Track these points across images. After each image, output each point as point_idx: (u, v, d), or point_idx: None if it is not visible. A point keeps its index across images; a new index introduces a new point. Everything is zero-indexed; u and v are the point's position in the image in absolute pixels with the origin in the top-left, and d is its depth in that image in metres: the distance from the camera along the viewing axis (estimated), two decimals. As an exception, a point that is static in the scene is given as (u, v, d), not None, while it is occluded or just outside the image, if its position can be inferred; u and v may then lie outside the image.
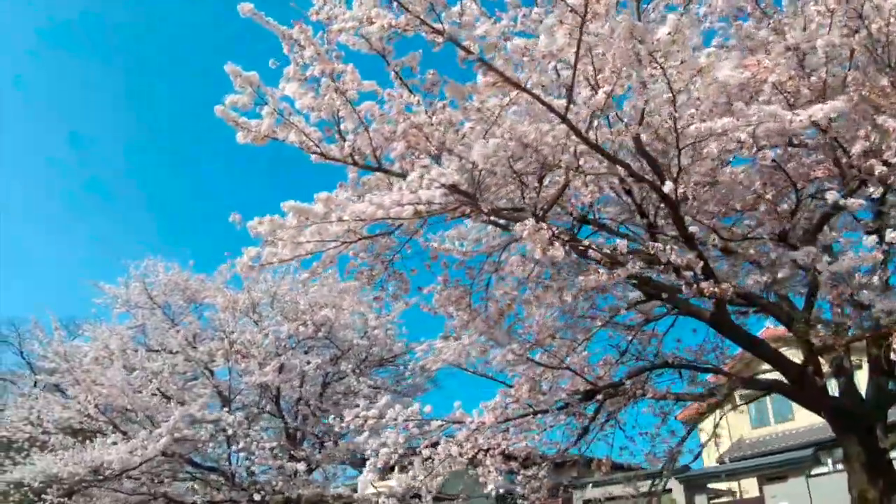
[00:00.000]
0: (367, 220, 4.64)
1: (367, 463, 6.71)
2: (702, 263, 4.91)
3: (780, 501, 18.81)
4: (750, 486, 21.49)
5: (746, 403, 13.83)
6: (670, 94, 3.79)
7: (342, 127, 5.22)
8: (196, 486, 13.31)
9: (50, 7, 55.69)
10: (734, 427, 22.94)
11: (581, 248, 4.51)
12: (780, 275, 6.31)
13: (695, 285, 4.98)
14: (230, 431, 11.17)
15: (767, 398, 25.13)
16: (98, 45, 59.71)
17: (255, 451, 10.99)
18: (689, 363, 8.75)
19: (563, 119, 3.73)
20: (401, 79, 5.15)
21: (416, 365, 9.90)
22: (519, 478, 8.69)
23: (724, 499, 21.73)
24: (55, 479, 11.72)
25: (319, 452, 12.64)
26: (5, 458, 13.24)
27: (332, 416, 12.46)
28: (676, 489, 19.24)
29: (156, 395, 12.12)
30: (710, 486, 20.55)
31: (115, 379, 11.37)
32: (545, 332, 7.76)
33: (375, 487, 13.69)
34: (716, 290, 4.86)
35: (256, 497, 11.16)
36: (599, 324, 8.63)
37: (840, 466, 20.32)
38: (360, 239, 5.26)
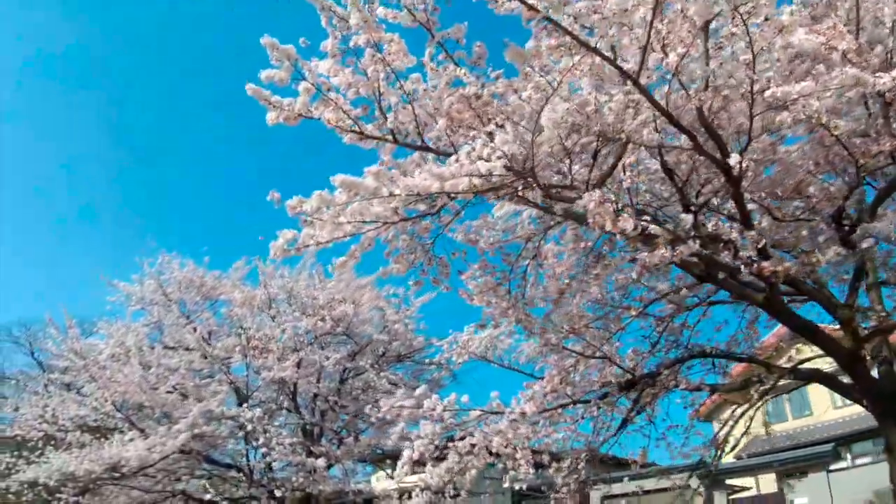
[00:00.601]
0: (413, 199, 4.43)
1: (403, 454, 6.50)
2: (763, 241, 4.68)
3: (801, 497, 18.56)
4: (767, 482, 21.21)
5: (773, 397, 13.59)
6: (749, 56, 3.56)
7: (383, 103, 5.02)
8: (207, 485, 13.11)
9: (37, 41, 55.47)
10: (754, 423, 22.42)
11: (646, 221, 4.27)
12: (826, 258, 6.10)
13: (755, 265, 4.76)
14: (249, 427, 10.95)
15: (784, 395, 24.96)
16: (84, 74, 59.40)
17: (274, 447, 10.77)
18: (726, 353, 8.54)
19: (635, 82, 3.51)
20: (446, 52, 4.94)
21: (442, 357, 9.67)
22: (551, 471, 8.49)
23: (742, 494, 21.46)
24: (71, 477, 11.52)
25: (338, 448, 12.41)
26: (19, 457, 13.05)
27: (368, 405, 12.28)
28: (695, 485, 18.94)
29: (172, 392, 11.92)
30: (728, 481, 20.28)
31: (133, 375, 11.17)
32: (580, 321, 7.56)
33: (398, 483, 13.49)
34: (778, 268, 4.63)
35: (277, 493, 10.95)
36: (633, 314, 8.43)
37: (859, 462, 20.10)
38: (401, 220, 5.05)
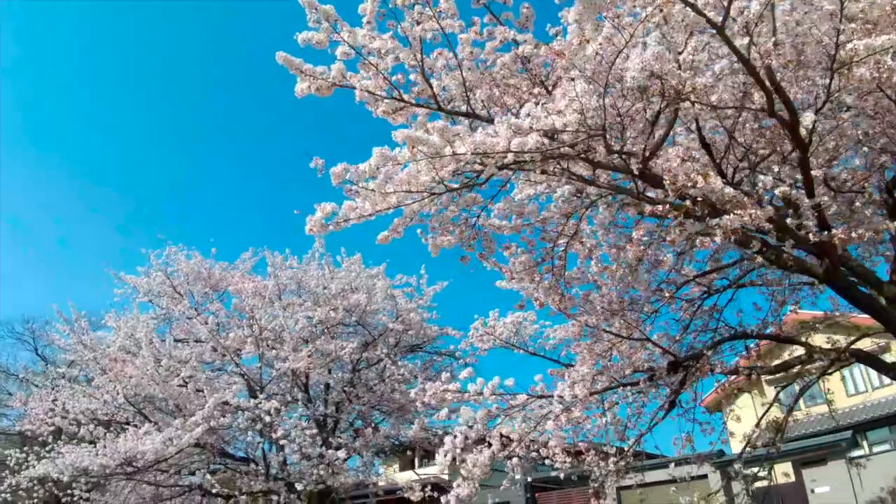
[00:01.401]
0: (466, 166, 4.14)
1: (446, 440, 6.24)
2: (833, 207, 4.42)
3: (821, 486, 18.37)
4: (783, 471, 20.99)
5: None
6: (835, 6, 3.28)
7: (427, 69, 4.72)
8: (213, 480, 12.89)
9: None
10: (763, 412, 22.29)
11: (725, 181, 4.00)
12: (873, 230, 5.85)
13: (825, 233, 4.51)
14: (267, 419, 10.68)
15: (796, 384, 24.74)
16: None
17: (294, 439, 10.51)
18: (767, 335, 8.30)
19: (720, 31, 3.23)
20: (492, 14, 4.65)
21: (467, 343, 9.40)
22: (589, 457, 8.27)
23: (758, 484, 21.31)
24: (84, 472, 11.26)
25: (355, 440, 12.16)
26: (29, 452, 12.77)
27: (385, 395, 12.06)
28: (711, 475, 18.81)
29: (184, 385, 11.64)
30: (744, 472, 20.08)
31: (145, 367, 10.88)
32: (620, 304, 7.32)
33: (418, 475, 13.26)
34: (852, 235, 4.37)
35: (298, 486, 10.69)
36: (667, 296, 8.20)
37: (877, 449, 19.92)
38: (447, 191, 4.77)
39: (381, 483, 12.20)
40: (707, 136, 6.01)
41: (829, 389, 16.83)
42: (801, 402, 23.62)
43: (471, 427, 6.24)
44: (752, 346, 9.01)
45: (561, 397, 6.19)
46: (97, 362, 11.43)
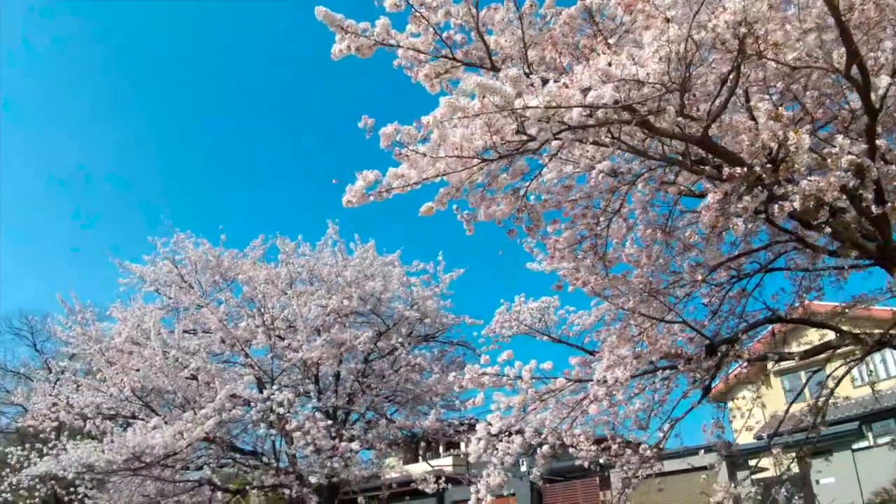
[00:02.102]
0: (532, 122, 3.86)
1: (478, 427, 6.00)
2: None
3: (826, 478, 18.34)
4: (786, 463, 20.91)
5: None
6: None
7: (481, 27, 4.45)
8: (214, 476, 12.58)
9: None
10: (771, 402, 22.38)
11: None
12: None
13: (888, 205, 4.30)
14: (281, 411, 10.38)
15: (802, 373, 24.75)
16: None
17: (309, 431, 10.21)
18: (803, 319, 8.13)
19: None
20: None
21: (490, 330, 9.15)
22: (614, 446, 8.08)
23: (761, 475, 21.28)
24: (90, 468, 10.90)
25: (368, 432, 11.89)
26: (31, 449, 12.37)
27: (399, 385, 11.78)
28: (718, 465, 18.72)
29: (193, 378, 11.30)
30: (751, 462, 20.06)
31: (154, 358, 10.53)
32: (655, 286, 7.11)
33: (432, 466, 12.99)
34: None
35: (313, 479, 10.40)
36: (699, 278, 8.00)
37: (882, 441, 19.94)
38: (498, 158, 4.51)
39: (393, 475, 11.92)
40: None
41: (870, 371, 16.71)
42: (806, 393, 23.73)
43: (505, 414, 6.01)
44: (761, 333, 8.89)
45: (603, 381, 5.97)
46: (102, 354, 11.04)
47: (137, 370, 10.85)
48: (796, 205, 3.84)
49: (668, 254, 7.50)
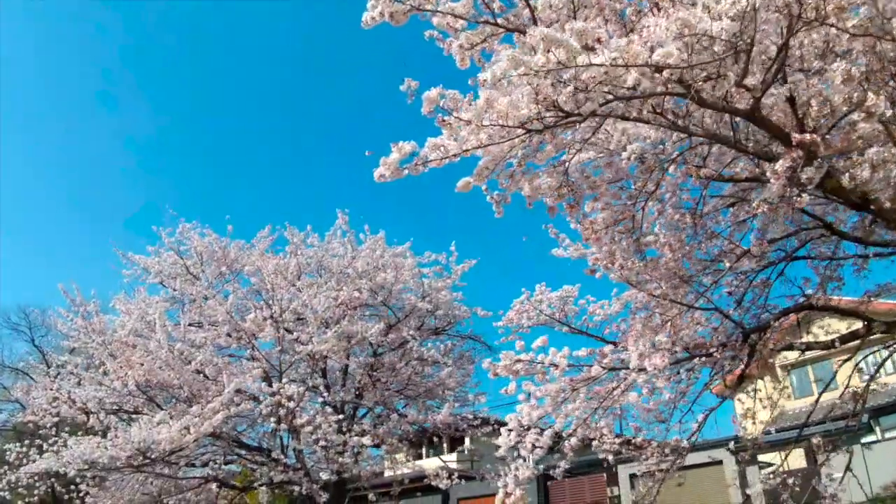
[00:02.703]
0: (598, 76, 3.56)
1: (509, 419, 5.74)
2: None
3: (837, 472, 18.14)
4: (794, 457, 20.82)
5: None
6: None
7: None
8: (210, 470, 12.28)
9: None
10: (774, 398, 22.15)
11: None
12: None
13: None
14: (291, 405, 10.08)
15: (810, 368, 24.64)
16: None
17: (320, 425, 9.93)
18: (833, 307, 7.91)
19: None
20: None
21: (508, 320, 8.87)
22: (639, 439, 7.85)
23: (768, 470, 21.13)
24: (92, 464, 10.57)
25: (378, 427, 11.61)
26: (30, 446, 12.04)
27: (411, 378, 11.52)
28: (727, 461, 18.59)
29: (200, 371, 10.98)
30: (759, 457, 19.91)
31: (160, 351, 10.21)
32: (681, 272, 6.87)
33: (443, 461, 12.72)
34: None
35: (324, 475, 10.11)
36: (727, 265, 7.77)
37: (889, 435, 19.83)
38: (543, 129, 4.24)
39: (405, 471, 11.64)
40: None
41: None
42: (814, 387, 23.60)
43: (539, 403, 5.75)
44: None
45: (642, 368, 5.71)
46: (106, 346, 10.71)
47: (142, 364, 10.53)
48: (865, 174, 3.60)
49: (694, 241, 7.27)
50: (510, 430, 5.61)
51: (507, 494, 5.83)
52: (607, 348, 6.45)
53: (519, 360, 5.34)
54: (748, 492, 19.58)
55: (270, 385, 11.66)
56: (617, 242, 5.70)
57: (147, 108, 65.09)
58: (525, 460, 5.83)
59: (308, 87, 73.47)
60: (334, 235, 12.68)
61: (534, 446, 5.78)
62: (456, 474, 11.43)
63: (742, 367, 6.82)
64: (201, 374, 11.07)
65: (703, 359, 6.34)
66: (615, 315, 8.77)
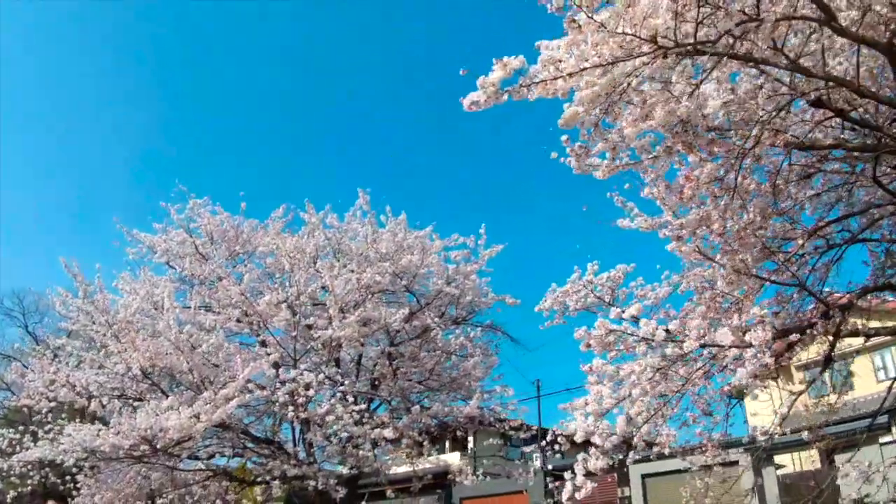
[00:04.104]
0: None
1: (587, 401, 5.08)
2: None
3: (853, 472, 17.67)
4: (807, 459, 20.40)
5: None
6: None
7: None
8: (228, 464, 11.58)
9: None
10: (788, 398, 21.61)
11: None
12: None
13: None
14: (311, 393, 9.37)
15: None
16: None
17: (342, 416, 9.22)
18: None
19: None
20: None
21: (545, 305, 8.21)
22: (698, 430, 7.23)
23: (781, 472, 20.61)
24: (92, 453, 9.81)
25: (399, 419, 10.90)
26: (24, 433, 11.23)
27: (433, 368, 10.84)
28: (743, 461, 18.09)
29: (211, 356, 10.25)
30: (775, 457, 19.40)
31: (168, 333, 9.45)
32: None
33: (466, 456, 11.98)
34: None
35: (343, 469, 9.42)
36: (801, 242, 7.20)
37: (905, 437, 19.34)
38: (675, 47, 3.60)
39: (427, 466, 10.96)
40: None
41: None
42: (829, 388, 23.13)
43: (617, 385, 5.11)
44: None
45: (747, 344, 5.06)
46: (109, 327, 9.92)
47: (148, 347, 9.77)
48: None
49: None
50: (587, 415, 4.95)
51: (577, 488, 5.18)
52: (704, 322, 5.82)
53: (613, 331, 4.68)
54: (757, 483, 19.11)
55: (278, 374, 10.96)
56: (716, 203, 5.06)
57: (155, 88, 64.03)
58: (598, 448, 5.17)
59: (307, 86, 72.64)
60: (354, 216, 11.97)
61: (608, 434, 5.12)
62: (481, 471, 10.76)
63: (830, 349, 6.23)
64: (211, 360, 10.33)
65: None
66: (665, 298, 8.20)
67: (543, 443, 11.55)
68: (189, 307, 11.12)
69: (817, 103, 5.21)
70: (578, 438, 5.03)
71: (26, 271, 54.00)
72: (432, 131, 77.00)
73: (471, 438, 25.45)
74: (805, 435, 6.99)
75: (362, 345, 11.51)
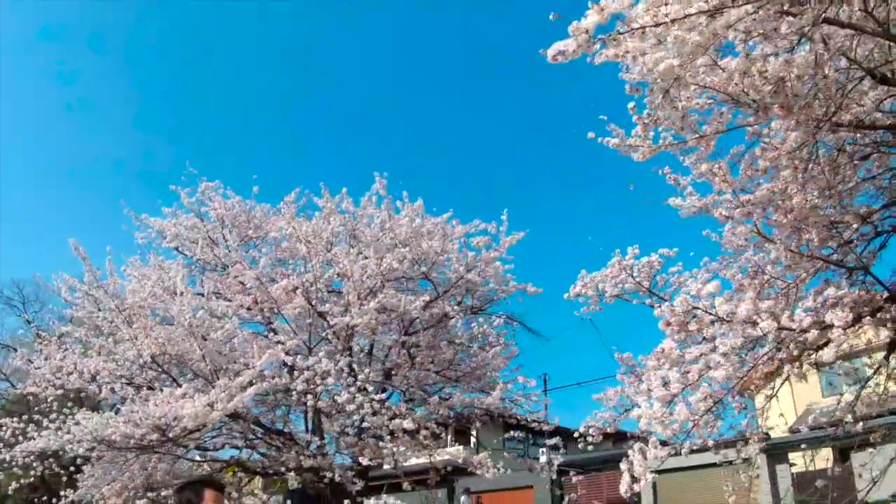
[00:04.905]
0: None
1: (649, 386, 4.77)
2: None
3: (871, 472, 17.57)
4: (821, 457, 20.28)
5: None
6: None
7: None
8: (241, 454, 11.21)
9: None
10: (801, 395, 21.64)
11: None
12: None
13: None
14: (330, 381, 9.05)
15: (836, 364, 24.01)
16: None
17: (363, 405, 8.90)
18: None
19: None
20: None
21: (574, 292, 7.89)
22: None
23: (794, 469, 20.47)
24: (101, 442, 9.44)
25: (415, 410, 10.60)
26: (28, 421, 10.84)
27: (451, 358, 10.52)
28: (758, 459, 17.94)
29: (225, 343, 9.89)
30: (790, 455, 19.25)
31: (182, 318, 9.09)
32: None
33: (487, 449, 11.70)
34: None
35: (364, 461, 9.10)
36: (855, 226, 6.90)
37: (920, 434, 19.26)
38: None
39: (447, 457, 10.67)
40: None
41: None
42: (843, 386, 23.00)
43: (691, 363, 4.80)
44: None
45: (830, 325, 4.75)
46: (120, 312, 9.56)
47: (160, 334, 9.41)
48: None
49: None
50: (656, 399, 4.64)
51: (635, 479, 4.88)
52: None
53: (696, 309, 4.35)
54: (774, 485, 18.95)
55: (286, 364, 10.63)
56: (799, 174, 4.75)
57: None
58: (666, 426, 4.84)
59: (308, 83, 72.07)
60: (370, 201, 11.63)
61: (672, 419, 4.81)
62: (501, 463, 10.47)
63: (892, 335, 5.96)
64: (224, 347, 9.98)
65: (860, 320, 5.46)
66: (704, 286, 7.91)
67: (555, 439, 11.36)
68: (201, 293, 10.77)
69: (883, 80, 4.92)
70: (642, 426, 4.71)
71: (26, 262, 53.37)
72: (432, 132, 76.59)
73: (473, 431, 25.21)
74: (859, 426, 6.68)
75: (374, 333, 11.18)
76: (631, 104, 5.06)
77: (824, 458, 20.09)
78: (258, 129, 69.26)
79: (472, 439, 25.92)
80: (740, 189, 5.78)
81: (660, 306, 4.57)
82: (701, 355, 4.65)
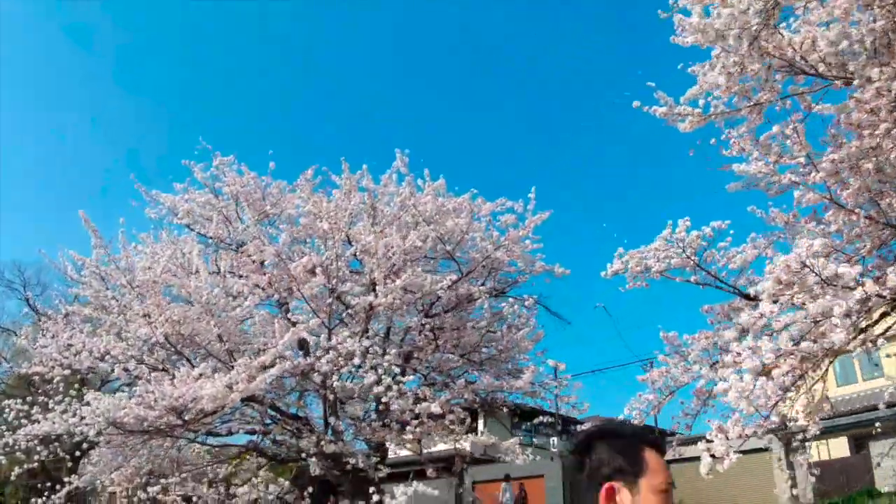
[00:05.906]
0: None
1: (743, 358, 4.35)
2: None
3: (889, 460, 17.43)
4: (837, 447, 20.07)
5: None
6: None
7: None
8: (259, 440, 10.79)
9: None
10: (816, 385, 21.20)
11: None
12: None
13: None
14: (356, 361, 8.62)
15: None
16: None
17: (391, 387, 8.48)
18: None
19: None
20: None
21: (612, 270, 7.47)
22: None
23: (813, 457, 20.19)
24: (113, 424, 8.98)
25: (440, 393, 10.19)
26: (32, 404, 10.34)
27: (476, 340, 10.10)
28: (776, 448, 17.70)
29: (241, 322, 9.45)
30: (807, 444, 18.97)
31: (200, 294, 8.63)
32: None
33: (515, 436, 11.33)
34: None
35: (392, 446, 8.70)
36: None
37: (936, 424, 19.01)
38: None
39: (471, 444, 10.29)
40: None
41: None
42: (858, 375, 22.76)
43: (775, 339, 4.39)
44: None
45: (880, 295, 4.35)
46: (132, 288, 9.07)
47: (174, 311, 8.94)
48: None
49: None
50: (745, 373, 4.23)
51: (716, 458, 4.49)
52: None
53: (804, 267, 3.90)
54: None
55: (301, 348, 10.20)
56: (884, 139, 4.33)
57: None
58: (744, 406, 4.44)
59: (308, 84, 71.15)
60: (391, 179, 11.16)
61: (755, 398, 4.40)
62: (530, 450, 10.10)
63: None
64: (240, 327, 9.55)
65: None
66: (752, 262, 7.55)
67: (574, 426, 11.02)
68: (215, 271, 10.30)
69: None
70: (731, 398, 4.30)
71: (26, 246, 52.47)
72: (432, 131, 75.84)
73: (481, 422, 24.79)
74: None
75: (395, 314, 10.76)
76: (716, 51, 4.64)
77: (840, 447, 19.90)
78: (258, 129, 68.49)
79: (480, 427, 25.59)
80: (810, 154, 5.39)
81: (774, 261, 4.13)
82: (791, 323, 4.24)
